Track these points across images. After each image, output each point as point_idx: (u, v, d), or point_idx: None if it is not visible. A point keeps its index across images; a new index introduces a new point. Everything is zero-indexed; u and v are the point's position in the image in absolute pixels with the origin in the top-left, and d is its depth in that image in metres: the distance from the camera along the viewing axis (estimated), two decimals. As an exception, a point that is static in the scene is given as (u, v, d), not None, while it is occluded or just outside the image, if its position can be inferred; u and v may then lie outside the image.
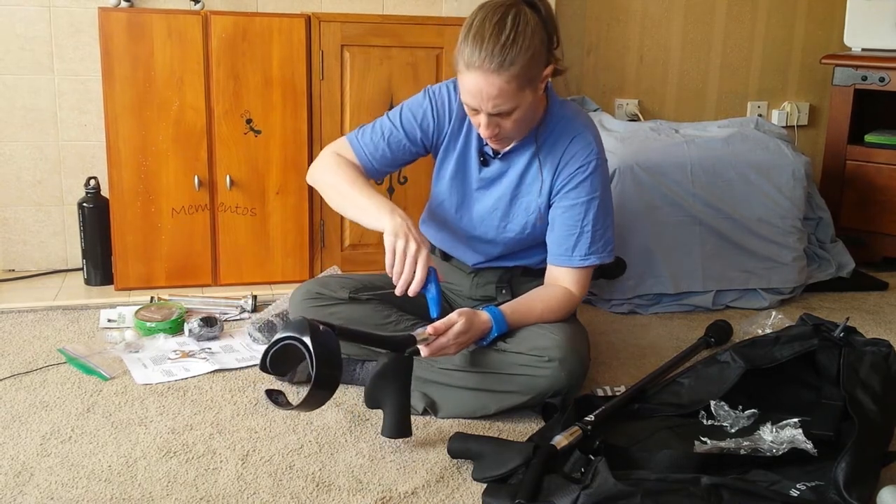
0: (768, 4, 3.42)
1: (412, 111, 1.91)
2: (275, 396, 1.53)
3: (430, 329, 1.68)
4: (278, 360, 1.54)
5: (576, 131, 1.85)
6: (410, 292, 1.68)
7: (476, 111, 1.73)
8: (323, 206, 2.66)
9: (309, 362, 1.47)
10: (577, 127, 1.86)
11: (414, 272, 1.67)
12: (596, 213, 1.85)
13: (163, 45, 2.43)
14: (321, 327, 1.51)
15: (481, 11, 1.69)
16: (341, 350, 1.56)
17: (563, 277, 1.88)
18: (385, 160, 1.92)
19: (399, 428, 1.69)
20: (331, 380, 1.51)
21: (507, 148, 1.87)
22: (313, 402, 1.52)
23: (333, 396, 1.88)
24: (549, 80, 1.79)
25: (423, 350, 1.69)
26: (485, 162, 1.91)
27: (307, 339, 1.48)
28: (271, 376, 1.78)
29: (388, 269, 1.70)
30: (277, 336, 1.53)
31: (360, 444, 1.70)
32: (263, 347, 2.15)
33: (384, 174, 1.96)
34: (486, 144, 1.89)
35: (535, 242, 1.95)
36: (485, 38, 1.65)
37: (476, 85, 1.68)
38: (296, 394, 1.91)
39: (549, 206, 1.89)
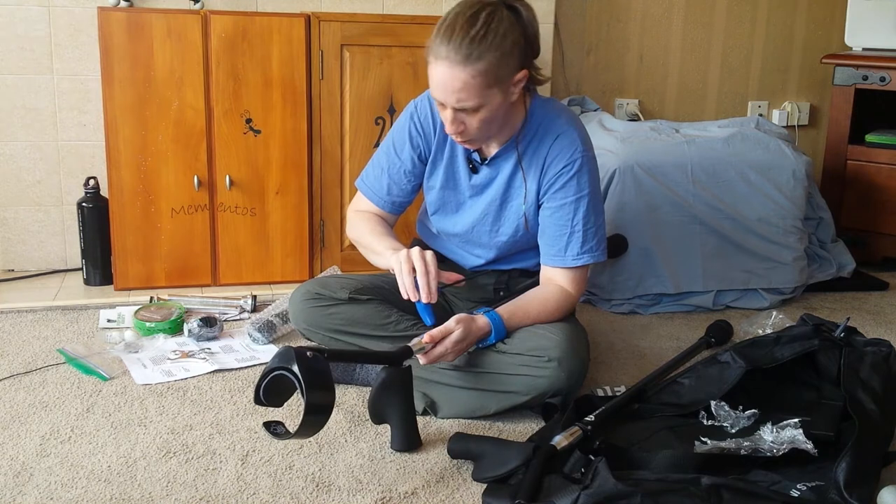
0: (768, 4, 3.42)
1: (402, 135, 1.94)
2: (273, 428, 1.49)
3: (426, 338, 1.67)
4: (271, 392, 1.51)
5: (559, 130, 1.83)
6: (424, 297, 1.70)
7: (443, 106, 1.73)
8: (323, 206, 2.66)
9: (299, 390, 1.46)
10: (560, 126, 1.84)
11: (415, 280, 1.70)
12: (586, 211, 1.84)
13: (162, 44, 2.43)
14: (308, 353, 1.49)
15: (457, 6, 1.70)
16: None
17: (557, 277, 1.88)
18: (393, 192, 1.97)
19: (408, 440, 1.68)
20: (323, 405, 1.49)
21: (493, 153, 1.86)
22: (309, 429, 1.49)
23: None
24: (523, 84, 1.75)
25: (421, 358, 1.69)
26: (474, 169, 1.91)
27: (294, 368, 1.46)
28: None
29: (402, 292, 1.73)
30: (266, 368, 1.51)
31: (360, 444, 1.70)
32: (263, 347, 2.16)
33: (403, 206, 2.01)
34: (474, 151, 1.88)
35: (528, 245, 1.94)
36: (455, 30, 1.66)
37: (441, 77, 1.68)
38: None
39: (538, 207, 1.88)
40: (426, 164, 1.95)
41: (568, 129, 1.84)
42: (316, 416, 1.48)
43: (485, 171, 1.90)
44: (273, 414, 1.75)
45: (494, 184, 1.90)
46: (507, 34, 1.67)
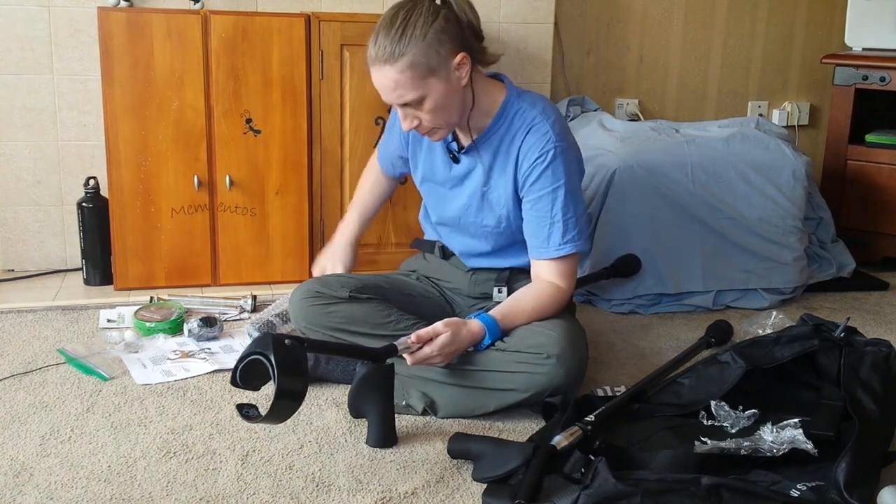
0: (768, 4, 3.42)
1: (392, 120, 2.07)
2: (245, 410, 1.51)
3: (412, 338, 1.69)
4: (248, 376, 1.53)
5: (532, 123, 1.84)
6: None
7: (396, 106, 1.79)
8: (323, 206, 2.66)
9: (272, 375, 1.47)
10: (532, 118, 1.85)
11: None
12: (564, 200, 1.84)
13: (162, 44, 2.43)
14: (286, 341, 1.51)
15: (385, 12, 1.77)
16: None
17: (545, 270, 1.88)
18: (395, 160, 2.14)
19: (384, 438, 1.69)
20: (293, 392, 1.50)
21: (469, 143, 1.89)
22: (278, 414, 1.51)
23: (333, 398, 1.89)
24: (468, 67, 1.77)
25: (409, 358, 1.70)
26: (455, 159, 1.93)
27: (269, 354, 1.48)
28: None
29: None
30: (244, 352, 1.52)
31: (360, 444, 1.70)
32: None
33: (399, 173, 2.19)
34: (452, 142, 1.92)
35: (514, 240, 1.95)
36: (378, 34, 1.72)
37: (377, 79, 1.75)
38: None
39: (519, 199, 1.90)
40: (407, 158, 2.06)
41: (540, 122, 1.84)
42: (285, 402, 1.50)
43: (465, 162, 1.92)
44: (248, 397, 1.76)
45: (474, 174, 1.92)
46: (427, 23, 1.71)
